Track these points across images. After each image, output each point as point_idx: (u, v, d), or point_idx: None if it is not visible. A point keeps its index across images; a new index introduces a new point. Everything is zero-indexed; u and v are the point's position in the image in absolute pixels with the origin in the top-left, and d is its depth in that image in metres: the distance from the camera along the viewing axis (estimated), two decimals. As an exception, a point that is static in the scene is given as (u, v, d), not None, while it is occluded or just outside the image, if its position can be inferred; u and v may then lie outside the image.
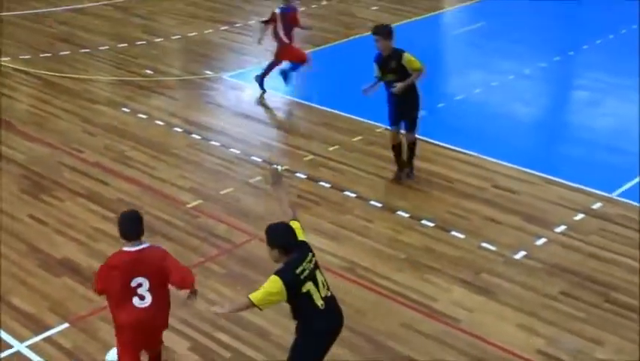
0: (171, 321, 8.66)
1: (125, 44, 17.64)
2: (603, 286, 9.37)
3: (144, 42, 17.82)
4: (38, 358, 8.19)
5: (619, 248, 10.10)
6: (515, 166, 12.23)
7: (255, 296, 6.64)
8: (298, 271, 6.70)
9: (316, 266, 6.90)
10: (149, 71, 16.19)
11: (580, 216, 10.88)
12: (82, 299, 9.06)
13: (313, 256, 6.91)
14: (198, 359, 8.15)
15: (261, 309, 6.74)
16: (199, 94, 15.21)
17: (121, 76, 15.98)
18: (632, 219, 10.71)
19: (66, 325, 8.63)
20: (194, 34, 18.40)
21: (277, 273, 6.67)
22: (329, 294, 6.96)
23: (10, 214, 10.92)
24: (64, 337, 8.47)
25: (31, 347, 8.35)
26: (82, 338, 8.44)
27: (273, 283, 6.62)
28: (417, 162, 12.34)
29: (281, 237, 6.81)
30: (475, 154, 12.64)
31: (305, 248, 6.92)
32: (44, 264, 9.82)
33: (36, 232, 10.51)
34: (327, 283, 6.99)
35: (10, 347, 8.35)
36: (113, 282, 6.87)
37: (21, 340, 8.46)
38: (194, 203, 11.20)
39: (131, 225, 7.06)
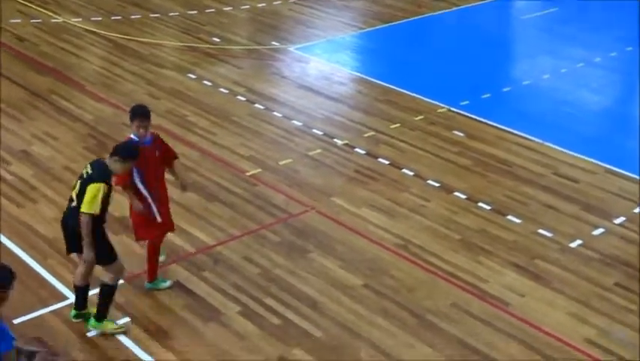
0: (222, 285, 8.85)
1: (195, 11, 17.81)
2: (659, 280, 9.24)
3: (213, 10, 17.95)
4: (92, 310, 8.37)
5: (679, 243, 9.94)
6: (578, 155, 12.06)
7: None
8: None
9: (81, 178, 7.70)
10: (216, 39, 16.32)
11: (640, 208, 10.73)
12: (137, 257, 9.20)
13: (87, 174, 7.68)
14: (248, 324, 8.26)
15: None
16: (264, 64, 15.28)
17: (189, 42, 16.15)
18: (695, 216, 10.52)
19: (120, 281, 8.79)
20: (263, 4, 18.47)
21: None
22: (74, 203, 7.65)
23: (75, 172, 11.13)
24: (118, 292, 8.58)
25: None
26: (134, 294, 8.63)
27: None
28: (478, 145, 12.29)
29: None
30: (538, 140, 12.49)
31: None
32: (104, 221, 10.03)
33: (98, 190, 10.72)
34: (78, 196, 7.58)
35: (66, 298, 8.57)
36: None
37: (77, 292, 8.67)
38: (253, 171, 11.30)
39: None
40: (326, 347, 8.00)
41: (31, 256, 9.22)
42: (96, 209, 7.43)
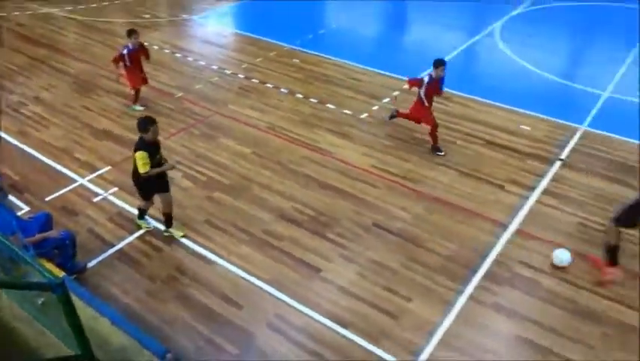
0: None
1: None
2: None
3: (143, -3, 16.55)
4: (94, 187, 8.18)
5: None
6: (364, 66, 11.98)
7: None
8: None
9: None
10: (147, 15, 15.20)
11: None
12: (117, 153, 8.95)
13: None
14: (185, 182, 8.20)
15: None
16: (180, 29, 14.43)
17: (131, 19, 14.99)
18: None
19: (109, 167, 8.57)
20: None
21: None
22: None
23: (69, 105, 10.49)
24: (109, 174, 8.42)
25: (89, 181, 8.32)
26: (120, 175, 8.41)
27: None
28: (308, 66, 12.14)
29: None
30: (342, 60, 12.36)
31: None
32: (93, 133, 9.60)
33: (86, 115, 10.17)
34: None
35: (76, 181, 8.29)
36: None
37: (83, 177, 8.40)
38: (180, 94, 10.86)
39: None
40: (234, 188, 8.09)
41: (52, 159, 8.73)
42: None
